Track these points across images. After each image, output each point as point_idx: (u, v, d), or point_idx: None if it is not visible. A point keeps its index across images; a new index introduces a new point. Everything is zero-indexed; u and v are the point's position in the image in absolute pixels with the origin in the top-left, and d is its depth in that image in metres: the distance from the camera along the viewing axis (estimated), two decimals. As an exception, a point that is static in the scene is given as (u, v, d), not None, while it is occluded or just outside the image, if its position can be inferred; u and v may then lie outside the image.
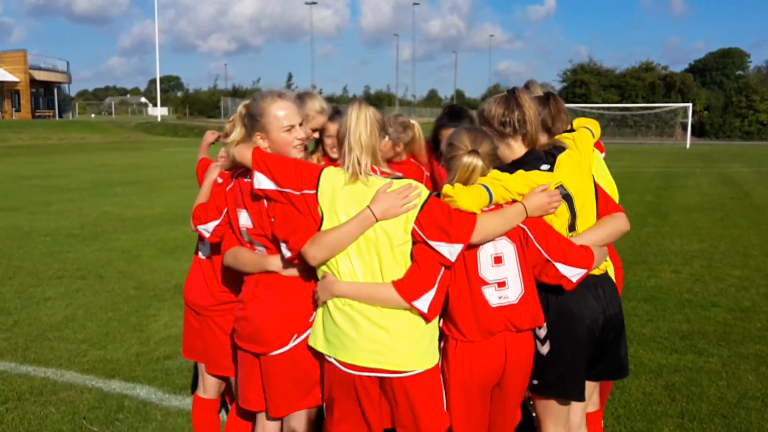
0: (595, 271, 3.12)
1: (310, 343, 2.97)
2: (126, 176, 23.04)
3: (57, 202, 16.01)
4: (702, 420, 4.64)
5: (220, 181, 3.47)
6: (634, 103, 67.39)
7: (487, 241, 2.90)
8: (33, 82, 68.39)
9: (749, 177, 24.40)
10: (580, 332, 3.08)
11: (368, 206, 2.79)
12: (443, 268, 2.84)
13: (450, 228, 2.75)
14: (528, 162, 3.05)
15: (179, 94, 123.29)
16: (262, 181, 2.92)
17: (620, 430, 4.47)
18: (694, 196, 18.01)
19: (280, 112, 3.05)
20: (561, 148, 3.15)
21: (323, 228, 2.85)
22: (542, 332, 3.07)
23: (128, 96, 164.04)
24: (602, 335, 3.14)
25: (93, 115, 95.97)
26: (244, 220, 3.14)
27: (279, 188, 2.89)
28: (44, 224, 12.77)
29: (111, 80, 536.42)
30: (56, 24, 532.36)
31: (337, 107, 3.82)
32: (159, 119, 74.53)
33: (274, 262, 3.08)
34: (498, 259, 2.94)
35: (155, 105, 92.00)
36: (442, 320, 3.01)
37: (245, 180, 3.09)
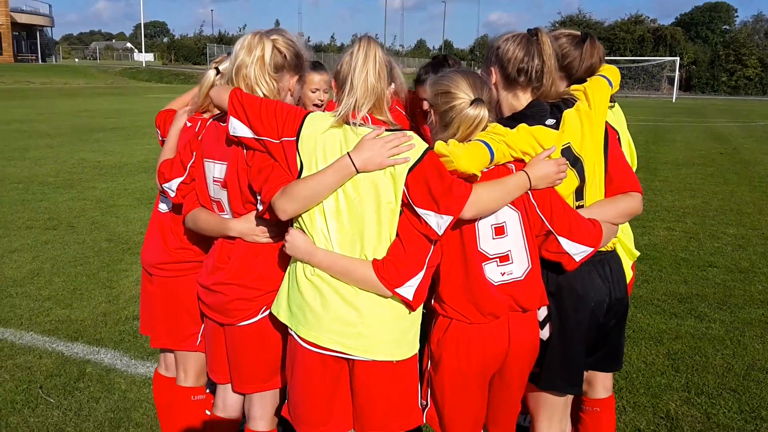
0: (603, 247, 2.70)
1: (273, 311, 2.57)
2: (108, 122, 22.43)
3: (34, 147, 15.47)
4: (710, 394, 4.33)
5: (189, 124, 3.04)
6: (622, 56, 66.82)
7: (482, 217, 2.47)
8: (15, 25, 66.82)
9: (737, 132, 24.05)
10: (583, 315, 2.67)
11: (348, 153, 2.34)
12: (432, 246, 2.41)
13: (441, 195, 2.30)
14: (531, 115, 2.57)
15: (165, 40, 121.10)
16: (237, 128, 2.51)
17: (623, 405, 4.14)
18: (683, 151, 17.65)
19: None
20: (571, 101, 2.68)
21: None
22: (542, 314, 2.66)
23: (114, 41, 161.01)
24: (605, 320, 2.74)
25: (77, 60, 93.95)
26: (218, 172, 2.72)
27: (256, 136, 2.48)
28: (18, 171, 12.28)
29: (97, 25, 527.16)
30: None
31: (317, 60, 3.33)
32: (144, 65, 73.09)
33: (236, 227, 2.68)
34: (500, 230, 2.50)
35: (141, 51, 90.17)
36: (433, 298, 2.62)
37: (222, 124, 2.66)
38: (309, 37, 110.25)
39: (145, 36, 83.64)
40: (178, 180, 2.88)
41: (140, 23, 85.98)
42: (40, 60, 70.95)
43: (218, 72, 2.90)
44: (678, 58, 57.07)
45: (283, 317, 2.51)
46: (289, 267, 2.53)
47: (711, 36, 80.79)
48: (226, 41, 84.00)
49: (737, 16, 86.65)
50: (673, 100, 49.57)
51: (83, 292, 6.01)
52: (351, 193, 2.37)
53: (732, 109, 40.25)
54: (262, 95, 2.60)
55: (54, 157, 14.05)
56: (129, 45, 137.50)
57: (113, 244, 7.62)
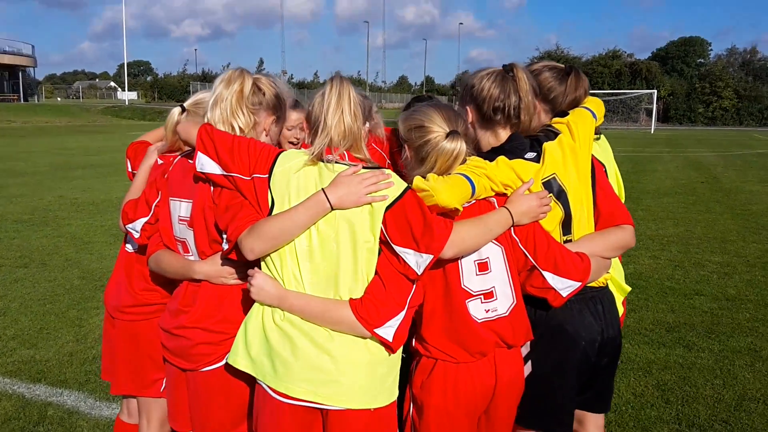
0: (594, 283, 2.56)
1: (229, 360, 2.37)
2: (88, 159, 22.21)
3: (11, 185, 15.21)
4: (701, 426, 4.16)
5: (160, 162, 2.90)
6: (600, 89, 67.72)
7: (463, 256, 2.34)
8: (-4, 65, 66.74)
9: (716, 161, 24.16)
10: (573, 354, 2.53)
11: (322, 189, 2.19)
12: (414, 285, 2.26)
13: (422, 234, 2.16)
14: (510, 149, 2.47)
15: (149, 78, 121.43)
16: (206, 164, 2.37)
17: (612, 439, 3.97)
18: (664, 181, 17.65)
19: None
20: (552, 134, 2.58)
21: None
22: (524, 350, 2.51)
23: (97, 80, 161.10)
24: (597, 359, 2.60)
25: (59, 99, 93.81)
26: (184, 211, 2.57)
27: (225, 173, 2.34)
28: (-8, 209, 12.01)
29: (81, 64, 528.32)
30: (25, 7, 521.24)
31: (295, 99, 3.24)
32: (126, 103, 73.06)
33: (201, 269, 2.52)
34: (483, 266, 2.37)
35: (124, 89, 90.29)
36: (414, 339, 2.46)
37: (190, 162, 2.53)
38: (292, 75, 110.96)
39: (128, 75, 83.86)
40: (143, 220, 2.76)
41: (124, 62, 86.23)
42: (22, 100, 70.74)
43: (183, 110, 2.77)
44: (655, 91, 57.91)
45: (242, 365, 2.32)
46: (250, 312, 2.35)
47: (686, 69, 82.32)
48: (209, 79, 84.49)
49: (711, 50, 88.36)
50: (652, 131, 50.06)
51: (50, 331, 5.77)
52: (325, 231, 2.21)
53: (710, 139, 40.65)
54: (237, 129, 2.48)
55: (30, 195, 13.81)
56: (112, 84, 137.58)
57: (85, 281, 7.38)
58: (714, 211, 12.67)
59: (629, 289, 3.05)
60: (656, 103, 57.89)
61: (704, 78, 71.98)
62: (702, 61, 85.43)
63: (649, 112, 58.63)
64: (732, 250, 9.24)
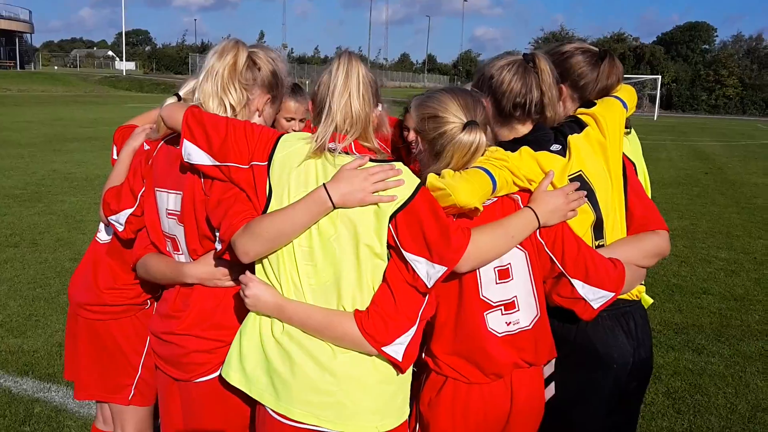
0: (626, 295, 2.34)
1: (222, 373, 2.17)
2: (83, 132, 21.87)
3: (4, 157, 14.95)
4: (716, 441, 4.00)
5: (146, 147, 2.65)
6: (603, 73, 67.61)
7: (481, 267, 2.12)
8: (-8, 30, 66.06)
9: (720, 151, 23.96)
10: (603, 378, 2.31)
11: (324, 185, 1.96)
12: (426, 297, 2.04)
13: (436, 242, 1.94)
14: (534, 140, 2.24)
15: (147, 48, 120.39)
16: (192, 154, 2.12)
17: (623, 455, 3.80)
18: (668, 170, 17.42)
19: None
20: (577, 126, 2.35)
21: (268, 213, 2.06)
22: (547, 369, 2.30)
23: (95, 49, 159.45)
24: (626, 384, 2.38)
25: (56, 68, 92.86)
26: (173, 203, 2.33)
27: (218, 163, 2.10)
28: (-17, 183, 11.77)
29: (80, 32, 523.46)
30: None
31: (296, 83, 2.98)
32: (124, 73, 72.36)
33: (193, 272, 2.28)
34: (504, 273, 2.14)
35: (122, 59, 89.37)
36: (423, 351, 2.26)
37: (176, 147, 2.27)
38: (292, 49, 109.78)
39: (127, 44, 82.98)
40: (128, 212, 2.50)
41: (122, 31, 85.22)
42: (18, 67, 70.01)
43: (179, 99, 2.51)
44: (660, 77, 57.46)
45: (235, 381, 2.11)
46: (246, 320, 2.14)
47: (691, 55, 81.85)
48: (208, 50, 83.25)
49: (716, 36, 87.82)
50: (655, 118, 49.71)
51: (39, 319, 5.57)
52: (327, 230, 1.99)
53: (713, 127, 40.44)
54: (228, 106, 2.23)
55: (24, 168, 13.55)
56: (110, 53, 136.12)
57: (77, 263, 7.08)
58: (719, 203, 12.49)
59: (651, 301, 2.84)
60: (660, 90, 57.48)
61: (709, 65, 71.68)
62: (707, 47, 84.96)
63: (653, 99, 58.20)
64: (738, 246, 9.08)
